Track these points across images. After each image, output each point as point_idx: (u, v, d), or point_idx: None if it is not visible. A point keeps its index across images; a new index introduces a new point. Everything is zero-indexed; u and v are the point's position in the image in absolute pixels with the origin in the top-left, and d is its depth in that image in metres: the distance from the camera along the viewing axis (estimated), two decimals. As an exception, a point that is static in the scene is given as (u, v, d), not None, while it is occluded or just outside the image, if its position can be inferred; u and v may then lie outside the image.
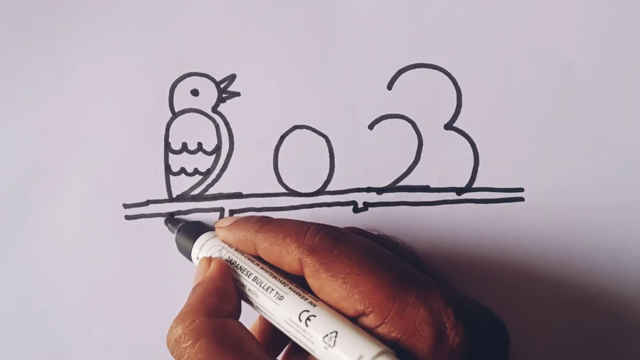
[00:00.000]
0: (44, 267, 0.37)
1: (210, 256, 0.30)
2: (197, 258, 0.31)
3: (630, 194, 0.35)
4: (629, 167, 0.35)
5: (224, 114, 0.37)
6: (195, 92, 0.37)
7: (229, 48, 0.37)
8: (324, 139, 0.36)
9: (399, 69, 0.36)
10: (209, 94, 0.37)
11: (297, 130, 0.37)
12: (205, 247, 0.31)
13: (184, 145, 0.37)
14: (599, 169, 0.35)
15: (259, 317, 0.31)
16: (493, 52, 0.36)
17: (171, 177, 0.37)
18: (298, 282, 0.27)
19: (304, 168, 0.37)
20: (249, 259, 0.29)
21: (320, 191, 0.37)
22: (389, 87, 0.36)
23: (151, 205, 0.37)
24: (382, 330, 0.24)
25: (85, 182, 0.37)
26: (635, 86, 0.35)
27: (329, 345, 0.23)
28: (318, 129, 0.36)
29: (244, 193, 0.37)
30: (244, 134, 0.37)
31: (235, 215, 0.30)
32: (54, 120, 0.37)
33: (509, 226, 0.35)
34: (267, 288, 0.27)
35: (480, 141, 0.36)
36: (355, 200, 0.36)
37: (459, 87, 0.36)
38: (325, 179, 0.36)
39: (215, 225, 0.32)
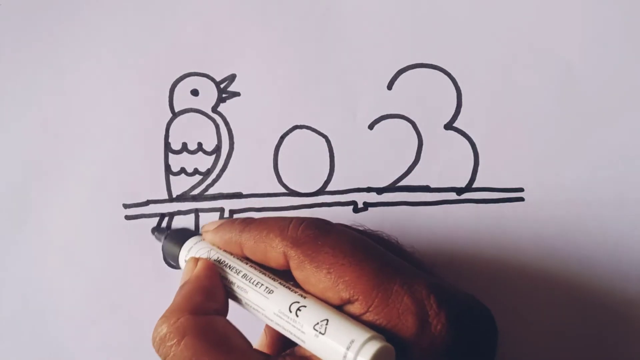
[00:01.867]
0: (44, 267, 0.37)
1: (198, 257, 0.30)
2: (185, 261, 0.32)
3: (630, 194, 0.35)
4: (629, 167, 0.35)
5: (224, 114, 0.37)
6: (195, 92, 0.37)
7: (229, 48, 0.37)
8: (324, 139, 0.36)
9: (399, 69, 0.36)
10: (209, 94, 0.37)
11: (297, 130, 0.37)
12: (193, 250, 0.31)
13: (184, 145, 0.37)
14: (599, 169, 0.35)
15: (264, 330, 0.31)
16: (493, 52, 0.36)
17: (171, 177, 0.37)
18: (286, 279, 0.28)
19: (304, 168, 0.37)
20: (237, 258, 0.29)
21: (320, 191, 0.37)
22: (389, 87, 0.36)
23: (151, 205, 0.37)
24: (367, 317, 0.24)
25: (85, 182, 0.37)
26: (635, 86, 0.35)
27: (320, 333, 0.24)
28: (318, 129, 0.36)
29: (244, 193, 0.37)
30: (244, 134, 0.37)
31: (222, 219, 0.30)
32: (54, 120, 0.37)
33: (509, 226, 0.35)
34: (257, 283, 0.27)
35: (480, 141, 0.36)
36: (355, 200, 0.36)
37: (459, 87, 0.36)
38: (325, 179, 0.36)
39: (202, 230, 0.32)
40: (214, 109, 0.37)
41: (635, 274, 0.35)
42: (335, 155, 0.36)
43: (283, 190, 0.37)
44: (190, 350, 0.24)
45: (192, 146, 0.37)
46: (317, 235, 0.26)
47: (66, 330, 0.37)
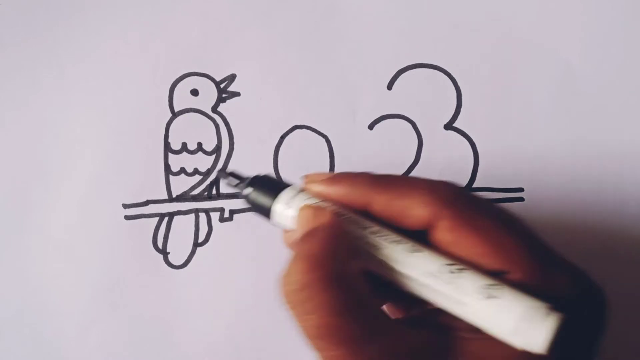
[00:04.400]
0: (44, 267, 0.37)
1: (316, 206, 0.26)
2: (280, 214, 0.27)
3: (630, 194, 0.35)
4: (629, 167, 0.35)
5: (224, 114, 0.37)
6: (195, 92, 0.37)
7: (229, 48, 0.37)
8: (324, 139, 0.36)
9: (399, 69, 0.36)
10: (209, 93, 0.37)
11: (297, 130, 0.37)
12: (296, 202, 0.27)
13: (184, 145, 0.37)
14: (599, 169, 0.35)
15: None
16: (493, 52, 0.36)
17: (171, 177, 0.37)
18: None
19: (304, 168, 0.36)
20: (359, 213, 0.26)
21: (320, 191, 0.36)
22: (389, 87, 0.36)
23: (151, 205, 0.37)
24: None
25: (85, 182, 0.37)
26: (635, 86, 0.35)
27: (491, 296, 0.22)
28: (318, 129, 0.36)
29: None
30: (244, 134, 0.37)
31: (327, 172, 0.28)
32: (54, 120, 0.37)
33: (509, 226, 0.35)
34: (397, 241, 0.24)
35: (480, 141, 0.36)
36: (355, 200, 0.36)
37: (459, 87, 0.36)
38: (325, 179, 0.36)
39: (307, 179, 0.28)
40: (214, 109, 0.37)
41: (635, 274, 0.35)
42: (335, 155, 0.36)
43: (283, 190, 0.37)
44: (335, 305, 0.23)
45: (192, 146, 0.37)
46: (475, 200, 0.24)
47: (66, 330, 0.37)
